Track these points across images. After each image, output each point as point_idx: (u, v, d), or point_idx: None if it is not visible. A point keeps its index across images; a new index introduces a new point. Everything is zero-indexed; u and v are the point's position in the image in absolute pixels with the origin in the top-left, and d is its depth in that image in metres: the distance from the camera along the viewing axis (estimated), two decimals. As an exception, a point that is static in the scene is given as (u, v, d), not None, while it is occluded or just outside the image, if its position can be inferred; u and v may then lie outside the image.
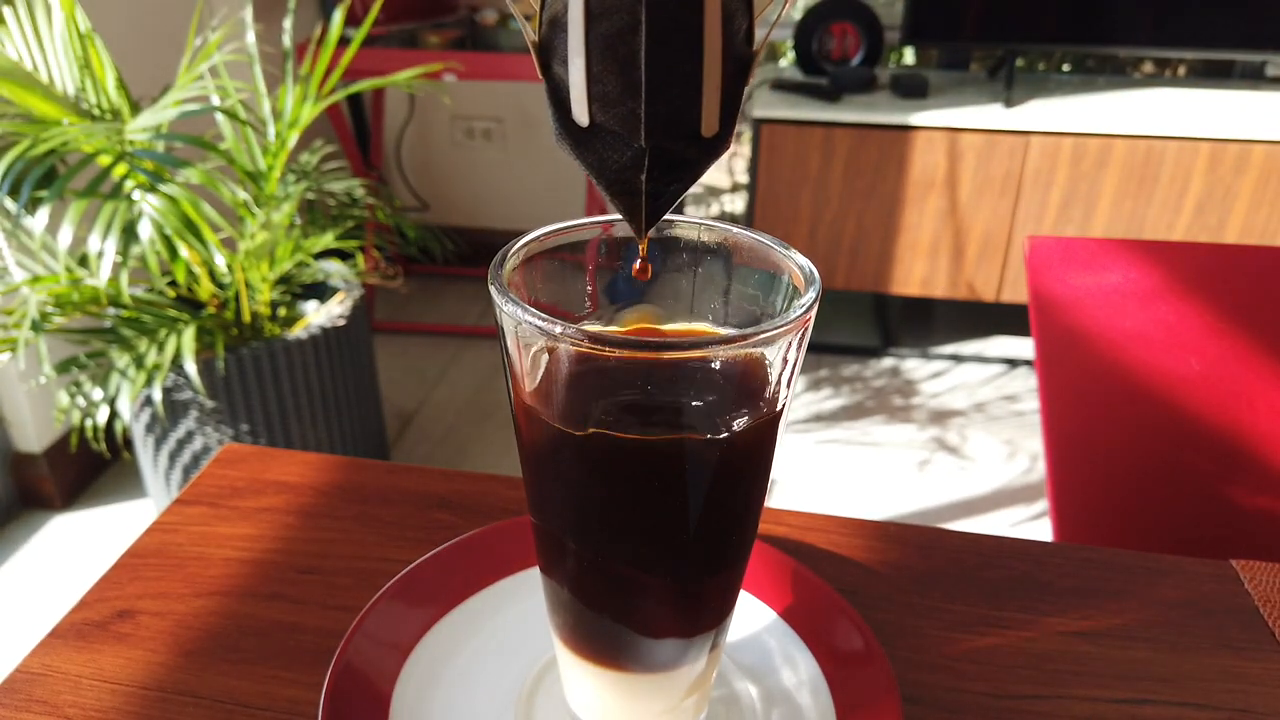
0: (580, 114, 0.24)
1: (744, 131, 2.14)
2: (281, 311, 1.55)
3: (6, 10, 1.23)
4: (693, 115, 0.24)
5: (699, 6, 0.23)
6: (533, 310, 0.26)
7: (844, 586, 0.46)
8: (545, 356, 0.27)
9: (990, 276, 1.99)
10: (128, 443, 1.64)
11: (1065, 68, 2.29)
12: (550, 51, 0.25)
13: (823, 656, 0.41)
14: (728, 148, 0.26)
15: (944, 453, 1.85)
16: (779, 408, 0.30)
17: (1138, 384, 0.78)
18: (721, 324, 0.33)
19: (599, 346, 0.26)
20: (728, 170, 2.69)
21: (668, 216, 0.30)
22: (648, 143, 0.24)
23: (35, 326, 1.22)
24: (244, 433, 1.42)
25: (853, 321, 2.34)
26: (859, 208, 1.96)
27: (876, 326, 2.31)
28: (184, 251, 1.30)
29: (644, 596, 0.32)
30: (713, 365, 0.27)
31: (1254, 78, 2.10)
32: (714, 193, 2.72)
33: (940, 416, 1.98)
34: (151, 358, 1.26)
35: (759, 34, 0.25)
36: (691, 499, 0.29)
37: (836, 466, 1.81)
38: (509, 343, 0.28)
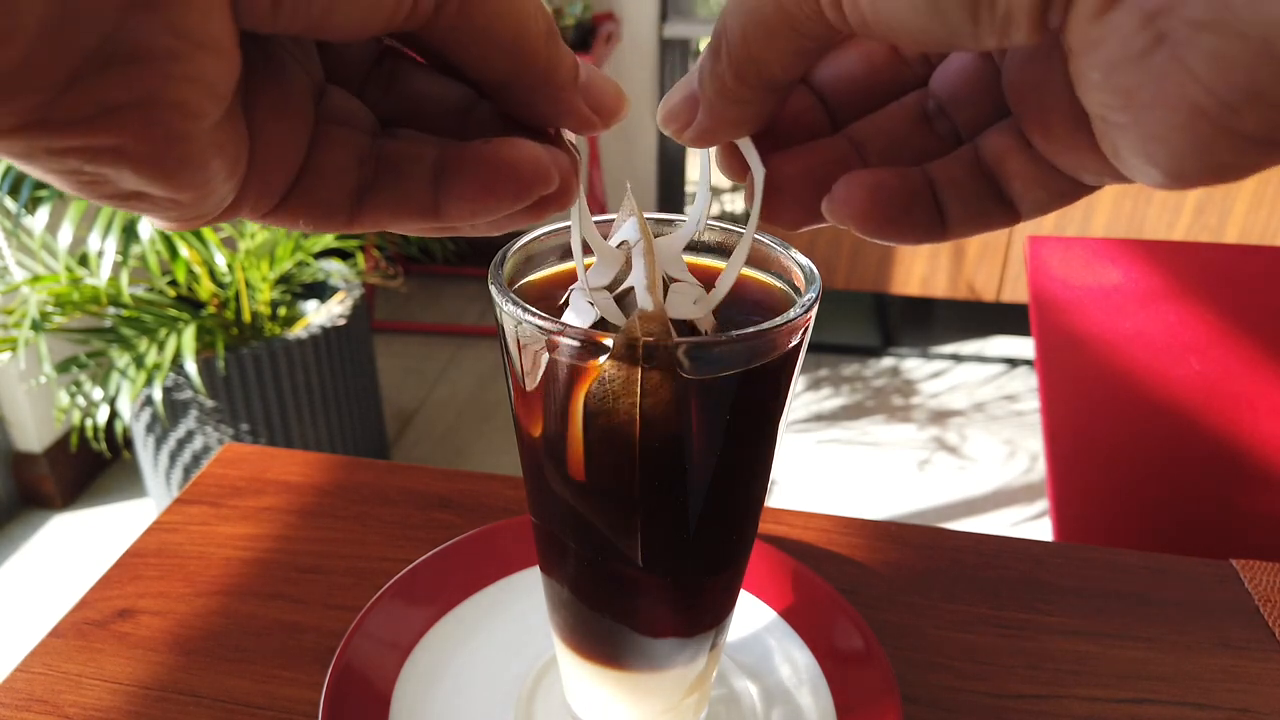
0: (576, 477, 0.28)
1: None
2: (281, 311, 1.55)
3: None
4: (681, 468, 0.28)
5: (688, 407, 0.26)
6: (533, 310, 0.26)
7: (844, 586, 0.46)
8: (545, 356, 0.27)
9: (990, 276, 1.99)
10: (128, 442, 1.64)
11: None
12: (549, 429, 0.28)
13: (823, 656, 0.41)
14: None
15: (944, 453, 1.85)
16: (779, 407, 0.30)
17: (1138, 384, 0.78)
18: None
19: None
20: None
21: (668, 216, 0.30)
22: (640, 498, 0.28)
23: (35, 326, 1.22)
24: (244, 432, 1.42)
25: (853, 321, 2.33)
26: (859, 207, 1.96)
27: (876, 326, 2.31)
28: (184, 251, 1.30)
29: (644, 596, 0.32)
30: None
31: (1254, 78, 2.10)
32: (714, 192, 2.72)
33: (940, 416, 1.98)
34: (151, 357, 1.26)
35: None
36: (692, 499, 0.29)
37: (836, 466, 1.81)
38: (509, 343, 0.28)
